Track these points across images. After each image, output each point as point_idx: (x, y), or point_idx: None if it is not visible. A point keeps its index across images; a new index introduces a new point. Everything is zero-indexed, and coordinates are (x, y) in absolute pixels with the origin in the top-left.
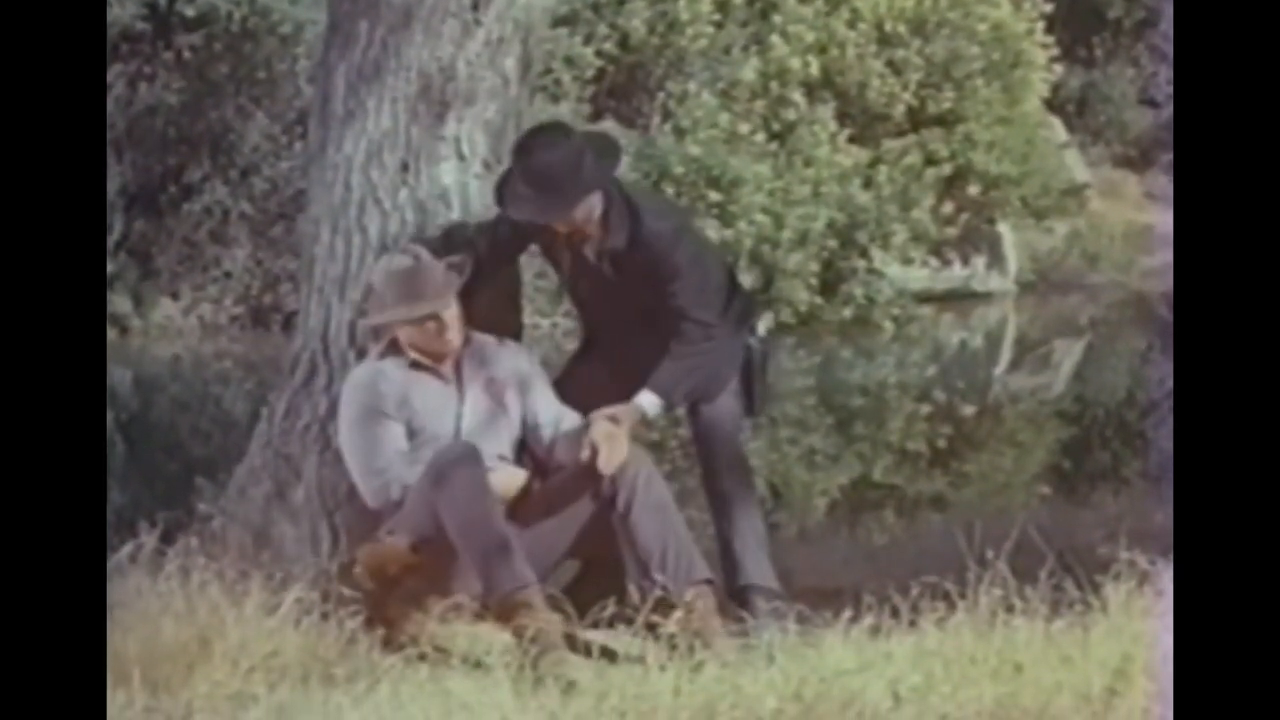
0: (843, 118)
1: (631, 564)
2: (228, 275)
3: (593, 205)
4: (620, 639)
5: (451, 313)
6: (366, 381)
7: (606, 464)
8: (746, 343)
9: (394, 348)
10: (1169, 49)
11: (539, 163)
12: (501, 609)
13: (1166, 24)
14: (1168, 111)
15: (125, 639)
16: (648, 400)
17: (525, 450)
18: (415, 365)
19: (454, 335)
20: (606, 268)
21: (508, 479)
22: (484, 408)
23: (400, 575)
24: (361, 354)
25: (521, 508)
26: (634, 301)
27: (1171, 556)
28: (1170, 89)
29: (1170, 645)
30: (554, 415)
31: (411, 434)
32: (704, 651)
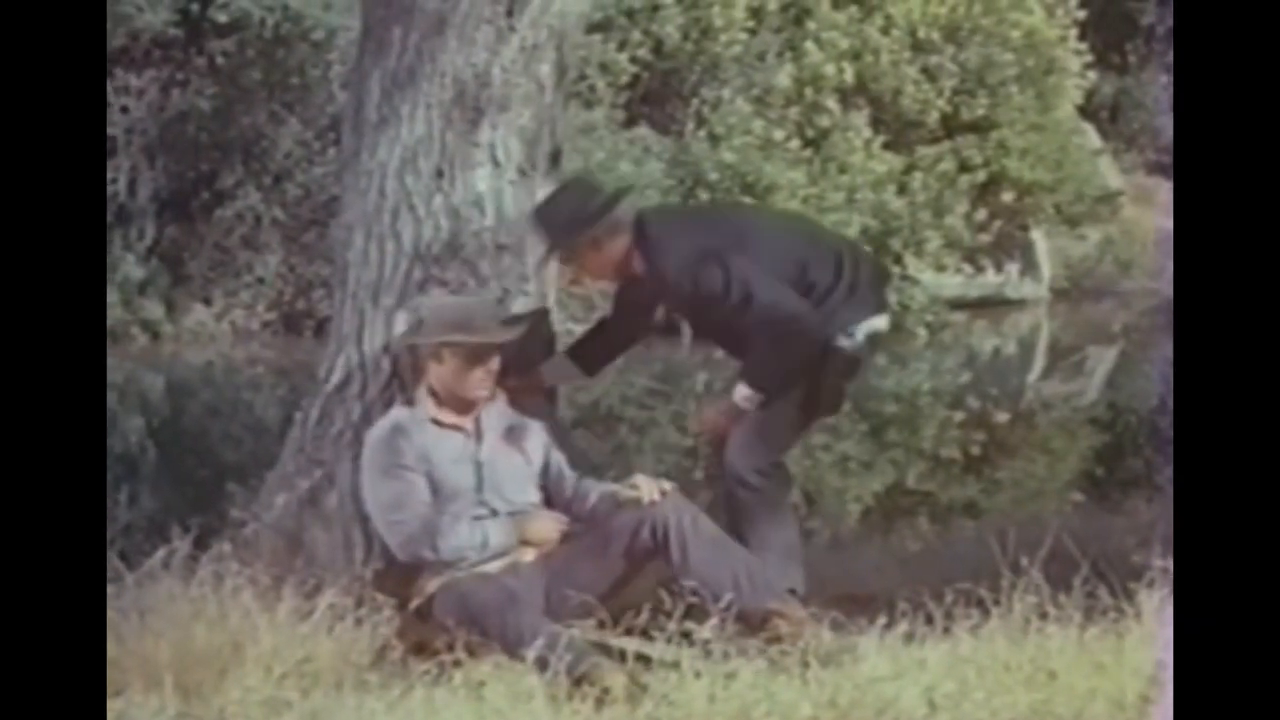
0: (877, 124)
1: (710, 600)
2: (260, 281)
3: (613, 247)
4: (655, 645)
5: (496, 360)
6: (385, 438)
7: (649, 493)
8: (835, 343)
9: (411, 401)
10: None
11: (536, 211)
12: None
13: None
14: None
15: (158, 644)
16: (740, 394)
17: (549, 497)
18: (435, 421)
19: (492, 385)
20: (670, 296)
21: (548, 527)
22: (504, 456)
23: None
24: (394, 360)
25: (562, 553)
26: (716, 313)
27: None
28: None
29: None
30: (575, 469)
31: (434, 488)
32: (739, 658)
